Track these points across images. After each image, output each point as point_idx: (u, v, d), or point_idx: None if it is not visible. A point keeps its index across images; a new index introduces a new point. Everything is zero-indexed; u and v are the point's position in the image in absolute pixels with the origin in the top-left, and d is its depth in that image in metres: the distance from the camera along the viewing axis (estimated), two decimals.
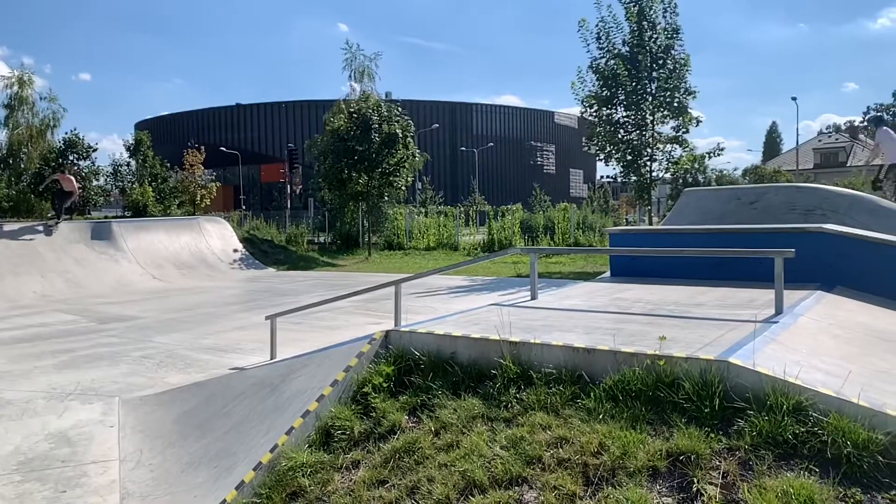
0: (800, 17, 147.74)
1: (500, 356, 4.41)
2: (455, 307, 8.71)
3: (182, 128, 71.66)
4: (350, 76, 26.67)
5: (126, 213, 31.16)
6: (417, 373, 4.68)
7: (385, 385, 4.66)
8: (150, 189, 30.33)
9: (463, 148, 73.18)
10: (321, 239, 30.83)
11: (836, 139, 61.69)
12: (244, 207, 44.67)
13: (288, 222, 32.81)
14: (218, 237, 22.29)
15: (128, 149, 34.90)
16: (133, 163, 34.20)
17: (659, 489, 3.17)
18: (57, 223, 18.31)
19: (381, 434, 4.24)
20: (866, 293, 6.38)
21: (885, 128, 13.52)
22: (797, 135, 66.04)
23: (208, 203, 31.92)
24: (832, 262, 6.82)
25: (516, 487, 3.39)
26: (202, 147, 32.49)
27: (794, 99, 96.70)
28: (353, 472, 3.98)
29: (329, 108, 27.41)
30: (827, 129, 73.06)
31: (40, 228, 17.99)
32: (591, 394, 3.86)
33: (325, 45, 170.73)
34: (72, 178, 19.61)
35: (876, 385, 3.67)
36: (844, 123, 73.73)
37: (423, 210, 32.60)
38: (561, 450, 3.54)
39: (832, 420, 3.24)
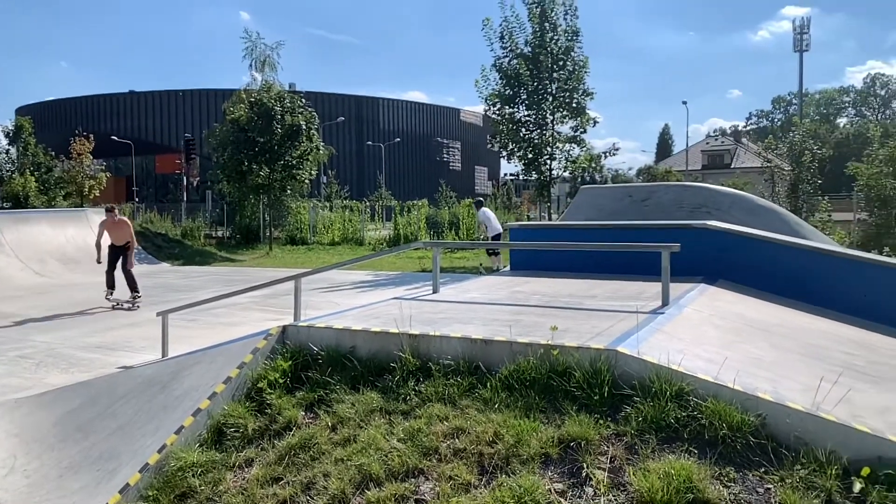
0: (689, 26, 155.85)
1: (399, 349, 4.40)
2: (358, 302, 8.63)
3: (69, 115, 67.14)
4: (251, 65, 25.85)
5: (4, 204, 29.02)
6: (315, 368, 4.60)
7: (281, 381, 4.56)
8: (33, 179, 28.35)
9: (369, 142, 72.59)
10: (219, 233, 29.84)
11: (722, 142, 65.59)
12: (137, 200, 42.47)
13: (184, 215, 31.53)
14: None
15: (7, 136, 32.48)
16: (13, 151, 31.86)
17: (551, 475, 3.26)
18: (137, 297, 11.88)
19: (277, 431, 4.14)
20: (744, 285, 6.81)
21: (482, 209, 16.63)
22: (687, 137, 70.14)
23: (98, 195, 30.11)
24: (715, 256, 7.25)
25: (412, 479, 3.40)
26: (91, 135, 30.57)
27: (684, 103, 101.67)
28: (246, 470, 3.86)
29: (229, 98, 26.48)
30: (714, 132, 77.62)
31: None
32: (488, 384, 3.92)
33: (225, 32, 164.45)
34: (124, 219, 12.62)
35: (750, 370, 3.92)
36: (730, 127, 78.69)
37: (327, 204, 32.10)
38: (457, 440, 3.58)
39: (710, 404, 3.43)
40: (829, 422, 3.27)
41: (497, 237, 15.66)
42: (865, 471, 3.07)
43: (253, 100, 24.32)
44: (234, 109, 24.57)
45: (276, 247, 25.86)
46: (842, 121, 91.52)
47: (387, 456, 3.57)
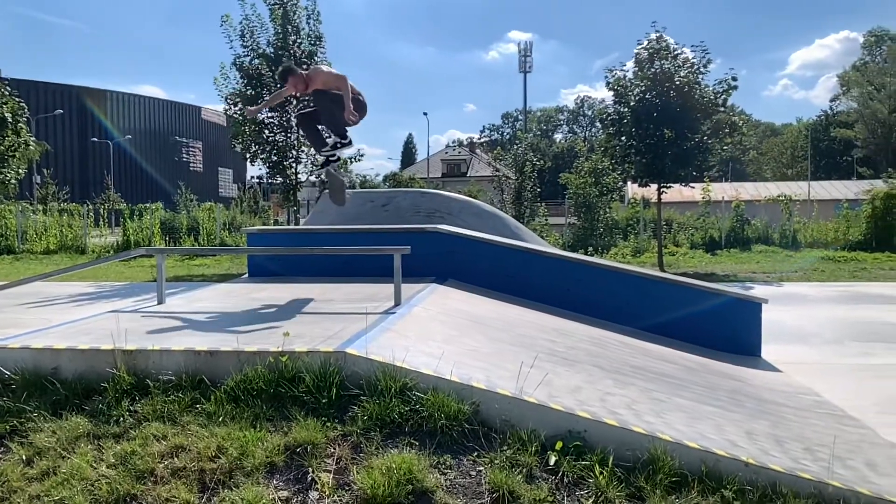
0: (428, 41, 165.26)
1: (112, 367, 4.01)
2: (73, 317, 7.69)
3: None
4: None
5: None
6: (7, 395, 4.00)
7: None
8: None
9: (95, 139, 65.43)
10: None
11: (459, 152, 70.46)
12: None
13: None
14: None
15: None
16: None
17: (276, 484, 3.20)
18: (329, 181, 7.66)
19: None
20: (470, 284, 7.36)
21: None
22: (428, 147, 74.72)
23: None
24: (445, 257, 7.73)
25: None
26: None
27: (425, 114, 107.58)
28: None
29: None
30: (452, 143, 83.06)
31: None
32: (212, 397, 3.73)
33: None
34: (320, 70, 6.95)
35: (467, 362, 4.24)
36: (466, 139, 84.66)
37: (41, 208, 28.22)
38: (176, 459, 3.35)
39: (430, 397, 3.63)
40: (530, 403, 3.66)
41: None
42: (559, 445, 3.49)
43: None
44: None
45: None
46: (558, 136, 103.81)
47: (93, 485, 3.22)
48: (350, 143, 6.92)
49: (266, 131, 19.64)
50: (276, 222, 35.61)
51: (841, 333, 9.36)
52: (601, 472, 3.33)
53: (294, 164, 20.08)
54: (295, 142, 19.86)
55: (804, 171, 62.06)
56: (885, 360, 7.74)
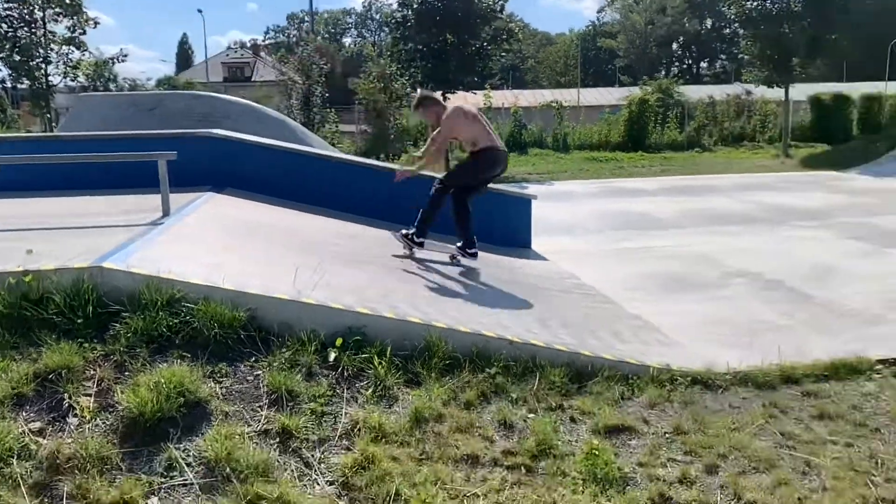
0: None
1: None
2: None
3: None
4: None
5: None
6: None
7: None
8: None
9: None
10: None
11: (242, 55, 65.78)
12: None
13: None
14: None
15: None
16: None
17: (26, 416, 2.90)
18: None
19: None
20: (250, 192, 6.99)
21: None
22: (206, 49, 68.80)
23: None
24: (222, 164, 7.24)
25: None
26: None
27: (200, 12, 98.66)
28: None
29: None
30: (234, 44, 76.94)
31: None
32: None
33: None
34: (450, 118, 5.77)
35: (245, 269, 4.09)
36: (249, 41, 79.01)
37: None
38: None
39: (201, 307, 3.46)
40: (308, 305, 3.64)
41: None
42: (339, 341, 3.54)
43: None
44: None
45: None
46: (347, 40, 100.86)
47: None
48: (413, 247, 5.85)
49: (4, 25, 16.82)
50: (28, 132, 31.14)
51: (601, 224, 10.44)
52: (380, 363, 3.44)
53: (43, 66, 17.53)
54: (42, 39, 17.25)
55: (575, 79, 66.70)
56: (636, 243, 8.79)
